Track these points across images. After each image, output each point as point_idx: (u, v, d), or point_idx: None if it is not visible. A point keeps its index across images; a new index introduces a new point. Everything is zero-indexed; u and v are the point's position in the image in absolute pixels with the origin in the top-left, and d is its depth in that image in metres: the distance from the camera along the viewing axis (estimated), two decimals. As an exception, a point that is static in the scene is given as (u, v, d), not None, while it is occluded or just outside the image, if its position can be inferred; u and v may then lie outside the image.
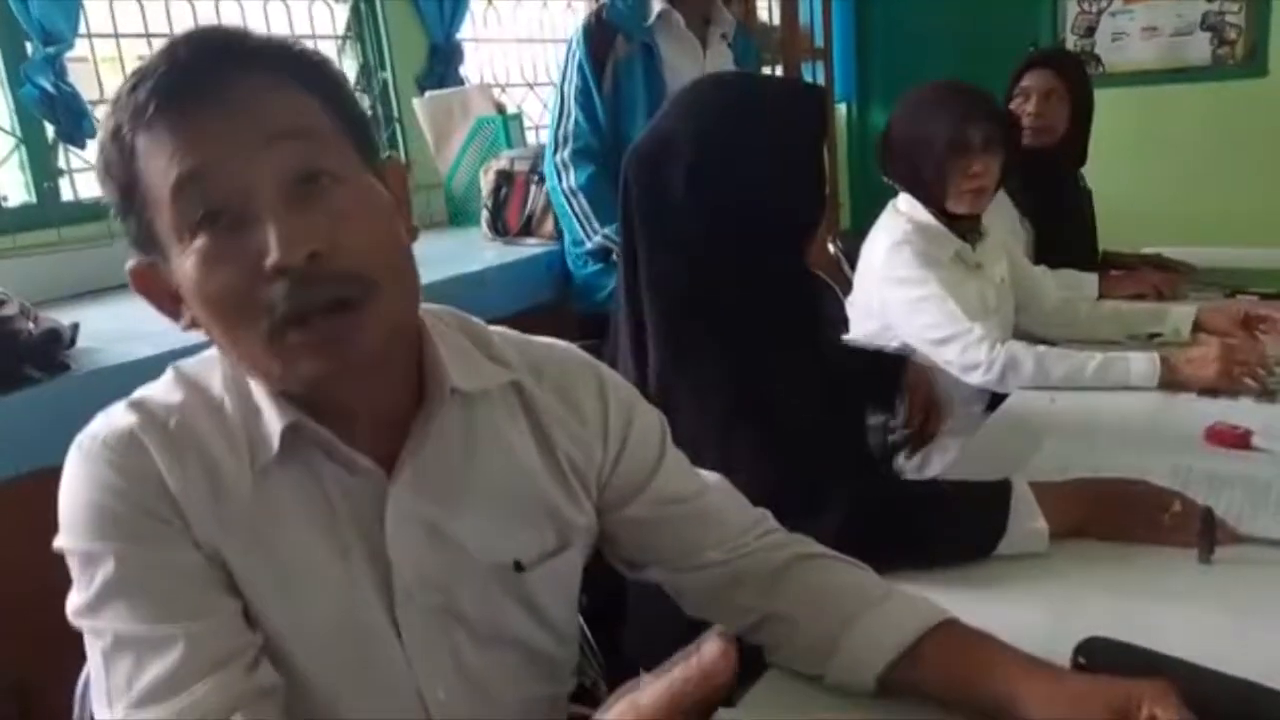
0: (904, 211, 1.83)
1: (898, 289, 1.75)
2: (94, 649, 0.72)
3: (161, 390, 0.78)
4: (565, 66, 2.29)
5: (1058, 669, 0.81)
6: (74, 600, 0.72)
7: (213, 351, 0.79)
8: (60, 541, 0.74)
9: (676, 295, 1.17)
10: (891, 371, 1.58)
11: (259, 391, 0.76)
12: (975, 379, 1.69)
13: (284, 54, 0.72)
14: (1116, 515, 1.11)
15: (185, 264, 0.69)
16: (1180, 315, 1.89)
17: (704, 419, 1.12)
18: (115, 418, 0.75)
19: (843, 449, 1.16)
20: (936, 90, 1.80)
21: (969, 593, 0.98)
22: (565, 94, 2.27)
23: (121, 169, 0.70)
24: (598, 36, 2.20)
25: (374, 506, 0.78)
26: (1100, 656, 0.83)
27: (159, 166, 0.68)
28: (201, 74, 0.68)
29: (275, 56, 0.71)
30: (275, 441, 0.74)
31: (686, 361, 1.16)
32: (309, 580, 0.76)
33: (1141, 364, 1.61)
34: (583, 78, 2.20)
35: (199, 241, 0.68)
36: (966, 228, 1.84)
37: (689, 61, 2.23)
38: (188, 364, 0.80)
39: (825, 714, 0.85)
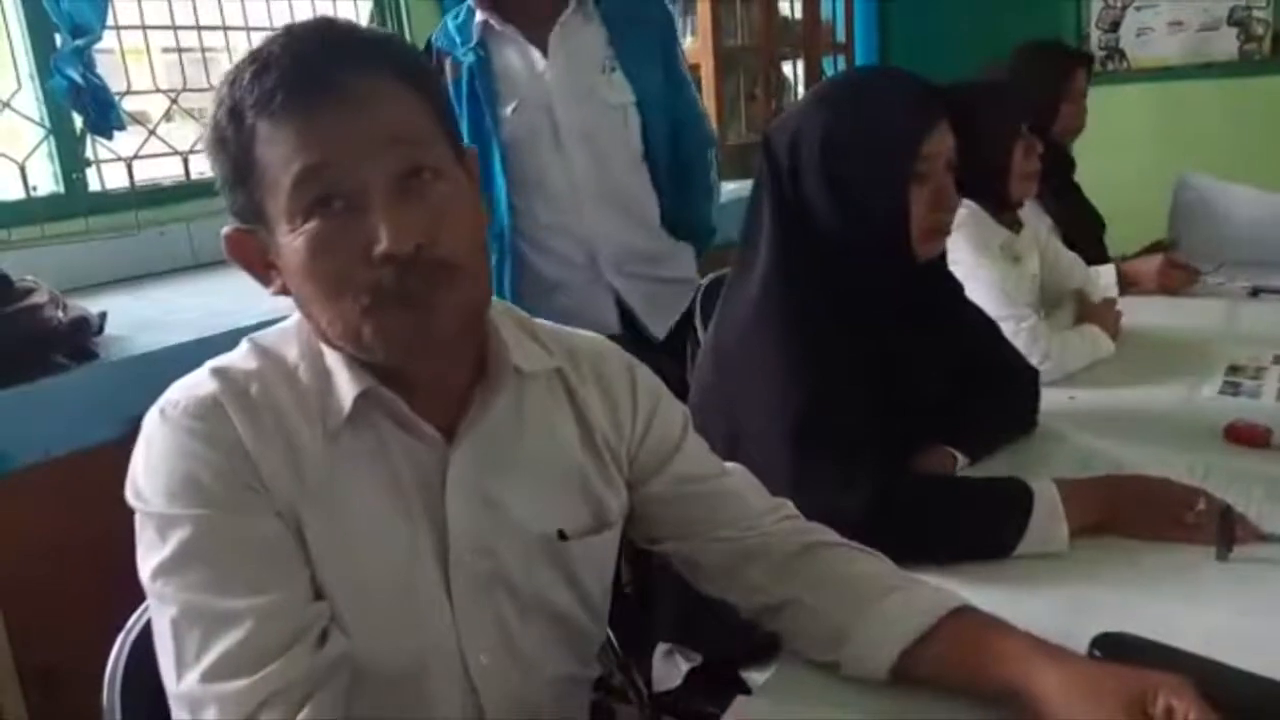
0: None
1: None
2: (162, 615, 0.74)
3: (239, 359, 0.82)
4: None
5: (1074, 656, 0.81)
6: (146, 561, 0.75)
7: (289, 324, 0.85)
8: (135, 501, 0.77)
9: (769, 270, 1.23)
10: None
11: (333, 359, 0.81)
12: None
13: (396, 54, 0.78)
14: (1139, 512, 1.11)
15: (295, 243, 0.75)
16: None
17: (758, 388, 1.19)
18: (197, 385, 0.79)
19: (883, 439, 1.17)
20: (973, 83, 1.81)
21: (985, 586, 0.98)
22: None
23: (238, 148, 0.75)
24: None
25: (436, 472, 0.83)
26: (1116, 651, 0.84)
27: (281, 155, 0.73)
28: (325, 70, 0.73)
29: (389, 56, 0.77)
30: (347, 405, 0.79)
31: (759, 332, 1.21)
32: (373, 539, 0.80)
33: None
34: None
35: (311, 225, 0.74)
36: (1010, 219, 1.87)
37: (529, 74, 1.90)
38: (263, 335, 0.85)
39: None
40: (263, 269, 0.80)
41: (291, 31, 0.76)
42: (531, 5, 1.90)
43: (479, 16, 1.90)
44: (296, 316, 0.85)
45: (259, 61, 0.74)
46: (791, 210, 1.24)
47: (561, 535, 0.89)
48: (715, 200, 2.14)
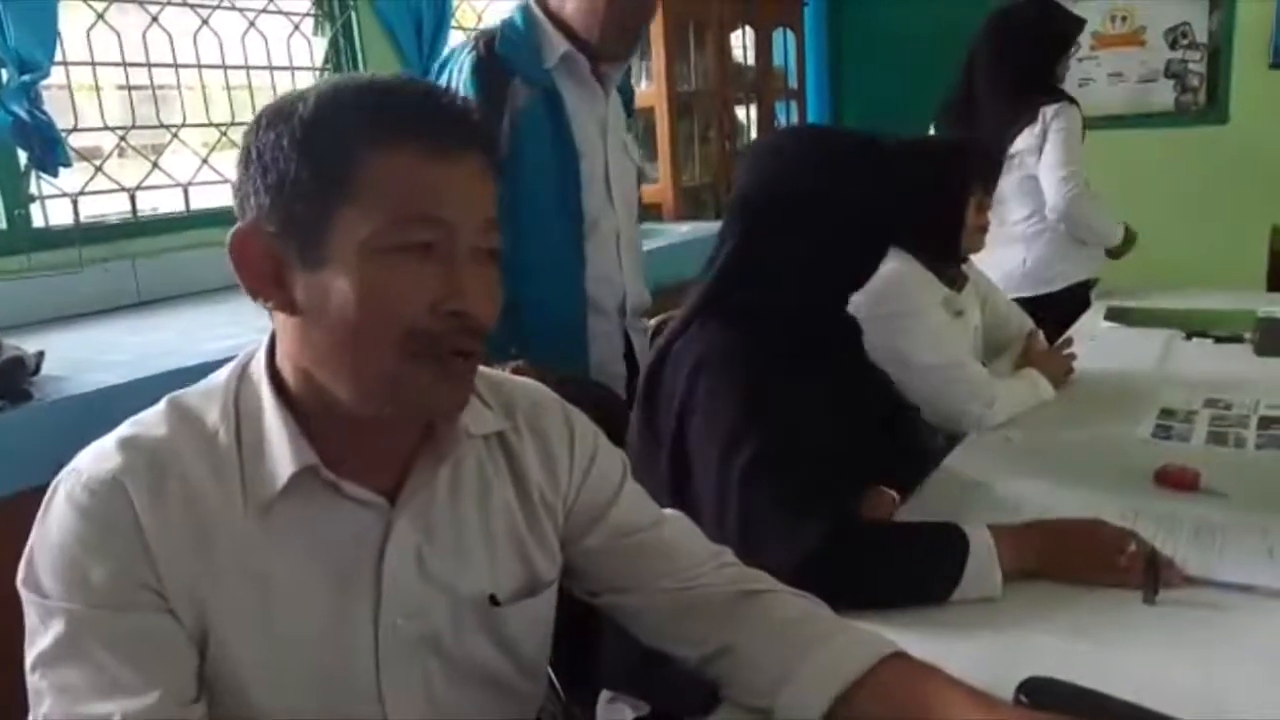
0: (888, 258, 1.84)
1: (886, 324, 1.65)
2: (36, 710, 0.72)
3: (152, 424, 0.79)
4: None
5: (1004, 705, 0.82)
6: (29, 648, 0.73)
7: (212, 383, 0.82)
8: (22, 583, 0.74)
9: (722, 315, 1.27)
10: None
11: (274, 422, 0.78)
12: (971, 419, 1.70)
13: (495, 144, 0.81)
14: (1071, 557, 1.12)
15: (364, 269, 0.73)
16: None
17: (710, 430, 1.20)
18: (102, 458, 0.76)
19: (832, 485, 1.18)
20: (931, 143, 1.83)
21: (917, 631, 0.99)
22: None
23: (333, 157, 0.73)
24: (491, 76, 1.69)
25: (375, 537, 0.81)
26: (1043, 696, 0.85)
27: (398, 187, 0.73)
28: (459, 129, 0.76)
29: (493, 144, 0.81)
30: (283, 479, 0.76)
31: (711, 375, 1.23)
32: (298, 610, 0.78)
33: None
34: None
35: (392, 258, 0.73)
36: (953, 274, 1.88)
37: (592, 114, 1.83)
38: (183, 395, 0.82)
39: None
40: (266, 279, 0.75)
41: (416, 80, 0.78)
42: (612, 47, 1.80)
43: (560, 46, 1.76)
44: (223, 374, 0.82)
45: (386, 86, 0.75)
46: (760, 262, 1.27)
47: (494, 600, 0.88)
48: None
